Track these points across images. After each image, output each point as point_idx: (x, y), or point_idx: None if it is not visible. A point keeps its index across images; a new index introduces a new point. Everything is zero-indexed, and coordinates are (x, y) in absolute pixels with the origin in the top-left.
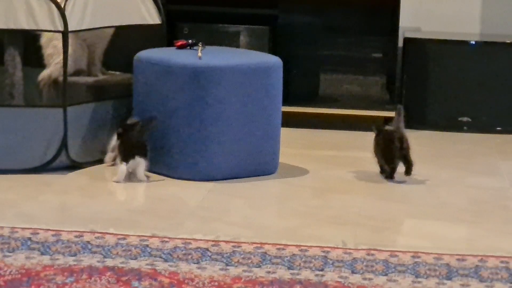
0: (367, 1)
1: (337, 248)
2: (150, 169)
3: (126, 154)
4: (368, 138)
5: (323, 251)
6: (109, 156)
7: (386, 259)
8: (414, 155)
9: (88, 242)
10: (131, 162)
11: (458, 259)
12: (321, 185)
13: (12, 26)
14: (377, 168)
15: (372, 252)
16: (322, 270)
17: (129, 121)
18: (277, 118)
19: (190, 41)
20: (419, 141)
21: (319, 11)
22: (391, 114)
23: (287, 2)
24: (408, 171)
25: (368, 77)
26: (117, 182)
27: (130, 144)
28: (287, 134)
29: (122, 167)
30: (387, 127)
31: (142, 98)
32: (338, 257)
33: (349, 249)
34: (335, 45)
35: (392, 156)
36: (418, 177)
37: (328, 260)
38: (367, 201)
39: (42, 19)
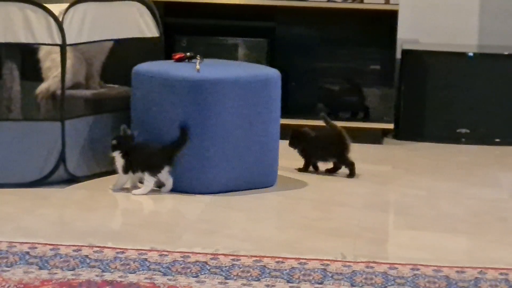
0: (365, 13)
1: (337, 260)
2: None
3: (126, 166)
4: (367, 150)
5: (323, 264)
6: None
7: (386, 272)
8: (413, 167)
9: (87, 256)
10: (134, 174)
11: (457, 271)
12: (320, 197)
13: (10, 39)
14: (377, 180)
15: (372, 264)
16: (321, 283)
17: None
18: (276, 130)
19: (188, 54)
20: (417, 153)
21: (317, 23)
22: (390, 126)
23: (285, 14)
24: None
25: (366, 88)
26: (113, 190)
27: (133, 158)
28: (286, 147)
29: (123, 177)
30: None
31: (140, 111)
32: (338, 270)
33: (349, 261)
34: (333, 57)
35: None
36: (417, 188)
37: (328, 272)
38: (366, 213)
39: (40, 32)
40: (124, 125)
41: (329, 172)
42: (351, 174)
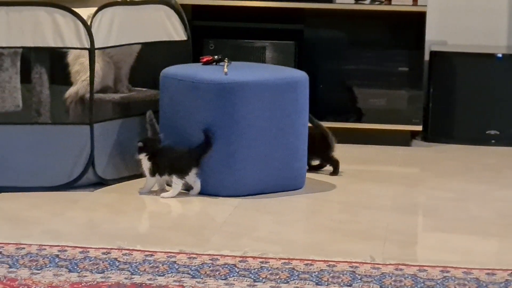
0: (393, 15)
1: (366, 263)
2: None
3: (153, 168)
4: (395, 152)
5: (351, 266)
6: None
7: (415, 274)
8: (442, 169)
9: (116, 259)
10: (161, 177)
11: (487, 274)
12: (348, 199)
13: (39, 44)
14: (405, 182)
15: (401, 266)
16: (350, 285)
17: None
18: (304, 133)
19: (216, 57)
20: (446, 155)
21: (345, 25)
22: (418, 128)
23: (313, 17)
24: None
25: (394, 91)
26: (141, 193)
27: (160, 160)
28: None
29: (151, 180)
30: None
31: (169, 114)
32: (367, 272)
33: (378, 264)
34: (361, 59)
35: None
36: (446, 191)
37: (357, 275)
38: (394, 215)
39: (69, 36)
40: (149, 111)
41: (315, 169)
42: (335, 172)
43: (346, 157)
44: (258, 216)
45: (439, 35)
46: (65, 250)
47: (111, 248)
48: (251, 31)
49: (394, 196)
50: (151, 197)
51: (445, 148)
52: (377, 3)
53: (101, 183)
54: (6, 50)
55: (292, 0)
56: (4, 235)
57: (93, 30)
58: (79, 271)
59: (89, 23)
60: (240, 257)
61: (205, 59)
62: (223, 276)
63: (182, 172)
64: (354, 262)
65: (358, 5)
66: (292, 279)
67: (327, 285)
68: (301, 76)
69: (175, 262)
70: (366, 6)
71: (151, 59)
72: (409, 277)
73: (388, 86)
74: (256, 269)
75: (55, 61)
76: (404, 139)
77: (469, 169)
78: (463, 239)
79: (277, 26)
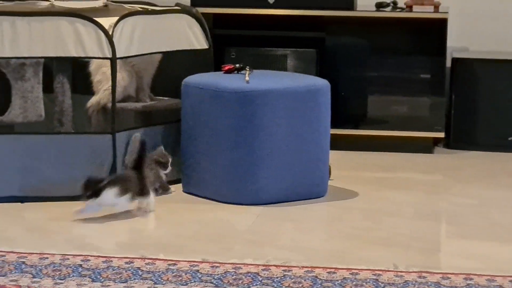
0: (414, 22)
1: (389, 270)
2: (198, 194)
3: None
4: (418, 159)
5: (374, 274)
6: None
7: (438, 282)
8: (464, 176)
9: (139, 268)
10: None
11: (511, 281)
12: (370, 207)
13: (61, 53)
14: (428, 189)
15: (424, 274)
16: None
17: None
18: (326, 140)
19: (237, 65)
20: (468, 162)
21: (366, 32)
22: (440, 135)
23: (334, 24)
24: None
25: (416, 98)
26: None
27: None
28: (335, 157)
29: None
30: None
31: (191, 123)
32: (390, 280)
33: (401, 271)
34: (382, 66)
35: None
36: (469, 197)
37: (380, 283)
38: (417, 222)
39: (91, 46)
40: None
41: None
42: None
43: (368, 165)
44: (280, 224)
45: (461, 41)
46: (88, 260)
47: (134, 258)
48: (273, 39)
49: (417, 203)
50: (173, 205)
51: (467, 154)
52: (398, 10)
53: None
54: (28, 60)
55: (313, 8)
56: (28, 245)
57: (115, 39)
58: (102, 280)
59: (110, 33)
60: (263, 265)
61: (226, 68)
62: (246, 284)
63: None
64: (377, 270)
65: (379, 13)
66: (315, 287)
67: None
68: (322, 84)
69: (198, 271)
70: (387, 13)
71: (172, 68)
72: (432, 284)
73: (410, 93)
74: (279, 278)
75: (77, 70)
76: (426, 146)
77: (491, 176)
78: (486, 246)
79: (298, 34)
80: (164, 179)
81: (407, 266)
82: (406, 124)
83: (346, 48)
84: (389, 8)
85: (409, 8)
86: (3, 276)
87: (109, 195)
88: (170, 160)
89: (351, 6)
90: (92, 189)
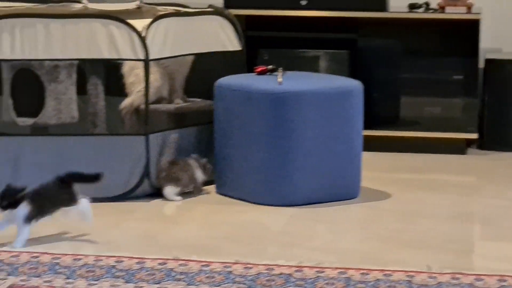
0: (446, 23)
1: (422, 272)
2: (232, 195)
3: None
4: (450, 160)
5: (408, 276)
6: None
7: (472, 283)
8: (498, 177)
9: (172, 269)
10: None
11: None
12: (403, 208)
13: (94, 55)
14: (461, 191)
15: (457, 276)
16: None
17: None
18: (358, 142)
19: (270, 66)
20: (502, 163)
21: (399, 34)
22: (473, 136)
23: (366, 25)
24: None
25: (449, 99)
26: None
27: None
28: (368, 158)
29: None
30: None
31: (223, 125)
32: (423, 282)
33: (434, 273)
34: (415, 67)
35: None
36: (502, 199)
37: (413, 284)
38: (450, 224)
39: (124, 48)
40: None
41: None
42: None
43: (401, 166)
44: (313, 226)
45: (494, 42)
46: (122, 261)
47: (167, 259)
48: (305, 40)
49: (450, 205)
50: (206, 207)
51: (500, 156)
52: (431, 11)
53: (156, 193)
54: (62, 62)
55: (346, 9)
56: (61, 246)
57: (148, 41)
58: (135, 281)
59: (143, 35)
60: (296, 266)
61: (259, 69)
62: (279, 286)
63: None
64: (410, 271)
65: (412, 14)
66: None
67: None
68: (355, 85)
69: (231, 272)
70: (420, 14)
71: (205, 69)
72: (466, 286)
73: (443, 94)
74: (312, 279)
75: (110, 72)
76: (459, 147)
77: None
78: None
79: (330, 36)
80: (199, 181)
81: (440, 267)
82: (439, 125)
83: (378, 49)
84: (421, 9)
85: (442, 9)
86: (37, 277)
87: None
88: (209, 167)
89: (383, 7)
90: (9, 200)
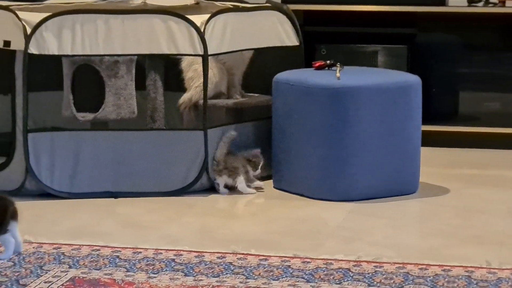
0: (506, 17)
1: (481, 267)
2: (289, 190)
3: None
4: (510, 156)
5: (467, 271)
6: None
7: None
8: None
9: (231, 263)
10: None
11: None
12: (462, 204)
13: (154, 51)
14: None
15: None
16: None
17: None
18: (417, 137)
19: (328, 61)
20: None
21: (458, 28)
22: None
23: (425, 20)
24: None
25: (508, 94)
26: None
27: None
28: (427, 153)
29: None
30: None
31: (281, 120)
32: (482, 277)
33: (494, 268)
34: (474, 62)
35: None
36: None
37: (472, 280)
38: (510, 220)
39: (183, 43)
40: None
41: None
42: None
43: (460, 161)
44: (371, 221)
45: None
46: (181, 255)
47: (226, 253)
48: (363, 35)
49: (509, 201)
50: (264, 202)
51: None
52: (490, 5)
53: (215, 188)
54: (122, 58)
55: (404, 4)
56: (122, 240)
57: (207, 36)
58: (194, 275)
59: (202, 30)
60: (354, 261)
61: (317, 64)
62: (337, 280)
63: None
64: (470, 267)
65: (471, 8)
66: (406, 283)
67: None
68: (413, 80)
69: (289, 266)
70: (480, 8)
71: (263, 64)
72: None
73: (502, 89)
74: (370, 274)
75: (169, 67)
76: None
77: None
78: None
79: (389, 31)
80: (251, 178)
81: (500, 263)
82: (498, 120)
83: (437, 44)
84: (481, 4)
85: (502, 3)
86: (97, 270)
87: None
88: (261, 162)
89: (443, 1)
90: None
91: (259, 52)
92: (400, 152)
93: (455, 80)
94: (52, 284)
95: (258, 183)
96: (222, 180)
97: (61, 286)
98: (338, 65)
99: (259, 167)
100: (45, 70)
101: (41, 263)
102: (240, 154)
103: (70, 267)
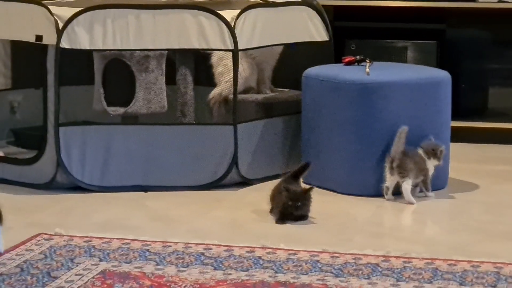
0: None
1: (510, 264)
2: (319, 185)
3: None
4: None
5: (496, 267)
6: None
7: None
8: None
9: (260, 257)
10: None
11: None
12: (492, 200)
13: (184, 45)
14: None
15: None
16: (494, 286)
17: None
18: (446, 132)
19: (357, 57)
20: None
21: (488, 24)
22: None
23: (455, 16)
24: None
25: None
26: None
27: None
28: (456, 149)
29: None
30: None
31: (311, 115)
32: (511, 273)
33: None
34: (504, 58)
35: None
36: None
37: (501, 276)
38: None
39: (213, 38)
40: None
41: None
42: None
43: (489, 157)
44: (400, 216)
45: None
46: (210, 249)
47: (255, 247)
48: (393, 31)
49: None
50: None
51: None
52: None
53: (244, 182)
54: (152, 52)
55: (434, 0)
56: (152, 233)
57: (237, 31)
58: (224, 269)
59: (232, 25)
60: (383, 256)
61: (347, 60)
62: (366, 275)
63: None
64: (499, 263)
65: (501, 4)
66: (435, 279)
67: (471, 285)
68: (443, 76)
69: (318, 261)
70: (510, 4)
71: (293, 60)
72: None
73: None
74: (399, 269)
75: (199, 62)
76: None
77: None
78: None
79: (418, 26)
80: (431, 173)
81: None
82: None
83: (467, 40)
84: None
85: None
86: (128, 263)
87: None
88: (443, 151)
89: None
90: None
91: (288, 47)
92: None
93: (484, 76)
94: (82, 276)
95: (429, 194)
96: (392, 180)
97: (91, 279)
98: (368, 61)
99: (442, 155)
100: (76, 65)
101: (72, 256)
102: (420, 149)
103: (100, 260)
